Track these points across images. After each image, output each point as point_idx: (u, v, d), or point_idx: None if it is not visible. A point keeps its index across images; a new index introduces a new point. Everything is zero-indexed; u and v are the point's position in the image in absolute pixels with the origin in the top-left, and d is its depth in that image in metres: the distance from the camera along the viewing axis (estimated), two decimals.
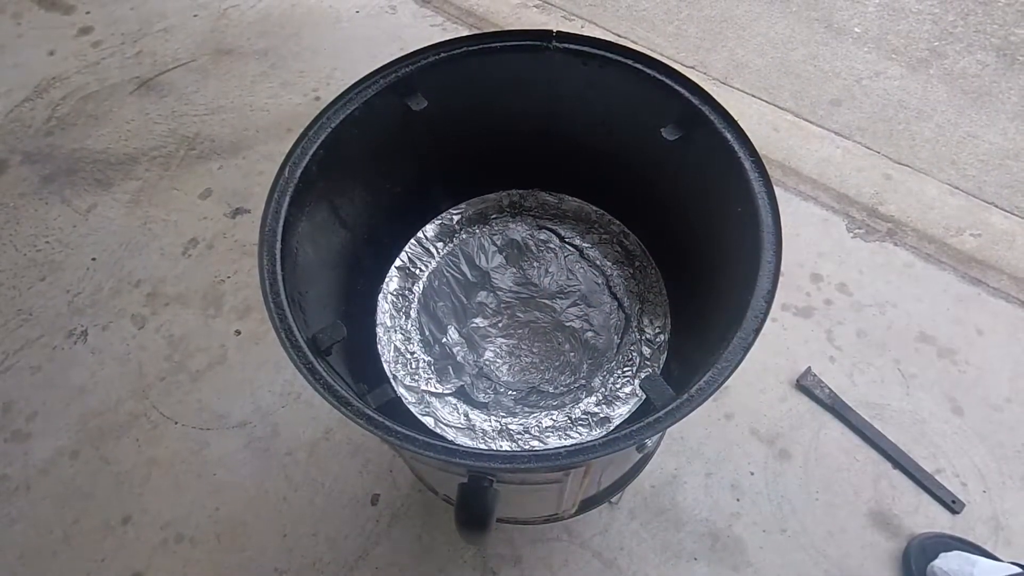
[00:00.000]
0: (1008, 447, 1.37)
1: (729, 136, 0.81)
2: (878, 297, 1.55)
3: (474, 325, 1.02)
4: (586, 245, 1.08)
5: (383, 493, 1.35)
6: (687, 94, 0.84)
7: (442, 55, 0.89)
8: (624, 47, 0.87)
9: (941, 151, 1.82)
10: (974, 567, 1.14)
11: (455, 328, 1.02)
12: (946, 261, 1.60)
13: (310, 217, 0.85)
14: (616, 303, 1.03)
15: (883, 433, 1.38)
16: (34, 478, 1.40)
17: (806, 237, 1.65)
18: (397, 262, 1.06)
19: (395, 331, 1.00)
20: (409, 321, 1.02)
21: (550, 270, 1.06)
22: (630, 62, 0.87)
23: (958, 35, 2.05)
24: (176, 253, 1.68)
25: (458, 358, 0.99)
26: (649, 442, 0.74)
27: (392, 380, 0.95)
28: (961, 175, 1.77)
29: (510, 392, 0.97)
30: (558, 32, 0.89)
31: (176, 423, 1.45)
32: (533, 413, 0.94)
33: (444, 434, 0.91)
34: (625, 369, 0.97)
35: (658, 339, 0.99)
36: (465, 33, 2.07)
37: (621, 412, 0.93)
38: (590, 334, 1.01)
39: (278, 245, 0.77)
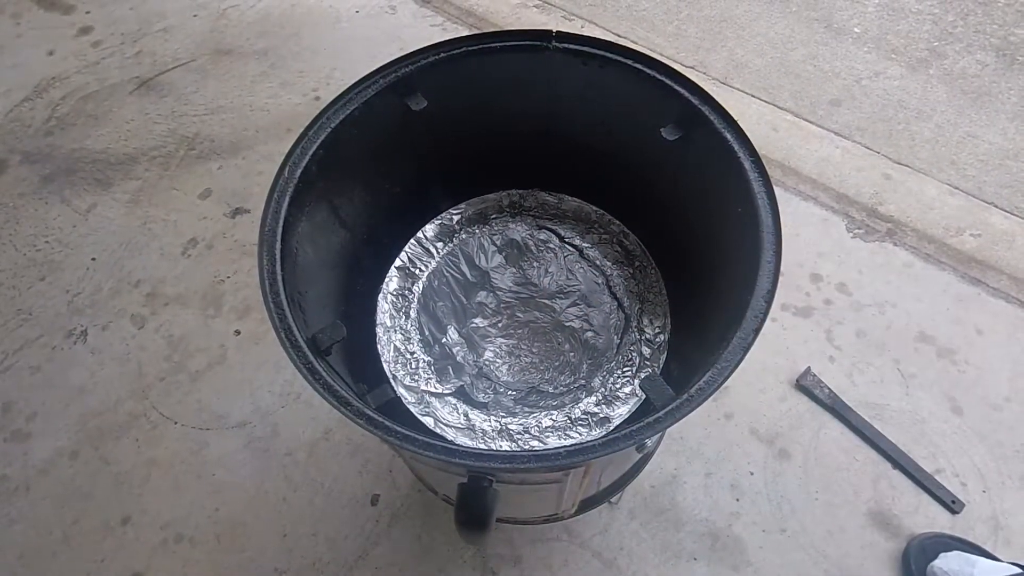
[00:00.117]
0: (1008, 447, 1.37)
1: (729, 136, 0.81)
2: (878, 297, 1.55)
3: (474, 325, 1.02)
4: (586, 245, 1.08)
5: (383, 493, 1.35)
6: (687, 94, 0.84)
7: (442, 55, 0.89)
8: (624, 47, 0.87)
9: (941, 151, 1.82)
10: (974, 567, 1.14)
11: (455, 328, 1.02)
12: (946, 261, 1.60)
13: (310, 217, 0.85)
14: (616, 303, 1.03)
15: (883, 433, 1.38)
16: (34, 478, 1.40)
17: (806, 237, 1.65)
18: (397, 262, 1.06)
19: (395, 331, 1.00)
20: (409, 321, 1.02)
21: (550, 270, 1.06)
22: (630, 62, 0.87)
23: (958, 35, 2.05)
24: (176, 253, 1.68)
25: (458, 358, 0.99)
26: (649, 442, 0.74)
27: (392, 380, 0.95)
28: (961, 175, 1.77)
29: (510, 392, 0.97)
30: (558, 32, 0.89)
31: (176, 423, 1.45)
32: (533, 413, 0.94)
33: (444, 434, 0.91)
34: (625, 369, 0.97)
35: (658, 339, 0.99)
36: (465, 33, 2.08)
37: (621, 412, 0.93)
38: (590, 334, 1.01)
39: (278, 245, 0.77)
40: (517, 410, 0.95)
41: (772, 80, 1.98)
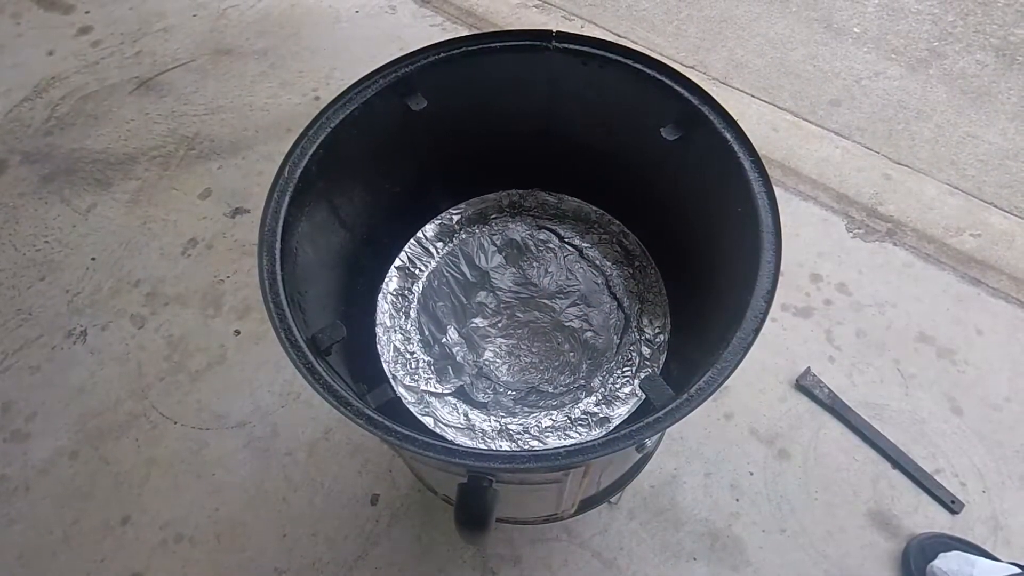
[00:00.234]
0: (1007, 447, 1.37)
1: (729, 136, 0.81)
2: (877, 297, 1.55)
3: (474, 325, 1.02)
4: (586, 245, 1.08)
5: (383, 493, 1.35)
6: (687, 94, 0.84)
7: (442, 55, 0.89)
8: (624, 47, 0.87)
9: (940, 151, 1.82)
10: (973, 567, 1.14)
11: (455, 328, 1.02)
12: (945, 261, 1.60)
13: (310, 217, 0.85)
14: (616, 303, 1.03)
15: (882, 433, 1.38)
16: (33, 478, 1.40)
17: (805, 237, 1.65)
18: (397, 262, 1.05)
19: (395, 331, 1.00)
20: (409, 321, 1.01)
21: (550, 270, 1.06)
22: (630, 62, 0.87)
23: (957, 35, 2.05)
24: (175, 253, 1.68)
25: (458, 358, 0.99)
26: (648, 442, 0.74)
27: (392, 380, 0.95)
28: (960, 175, 1.77)
29: (510, 392, 0.97)
30: (558, 32, 0.89)
31: (175, 423, 1.45)
32: (533, 413, 0.94)
33: (444, 434, 0.91)
34: (624, 369, 0.97)
35: (658, 339, 0.99)
36: (465, 33, 2.08)
37: (620, 412, 0.93)
38: (590, 334, 1.01)
39: (278, 245, 0.77)
40: (517, 410, 0.95)
41: (772, 80, 1.98)
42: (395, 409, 0.92)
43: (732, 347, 0.69)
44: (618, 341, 1.00)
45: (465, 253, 1.07)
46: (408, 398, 0.94)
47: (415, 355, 0.98)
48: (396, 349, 0.99)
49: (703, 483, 1.35)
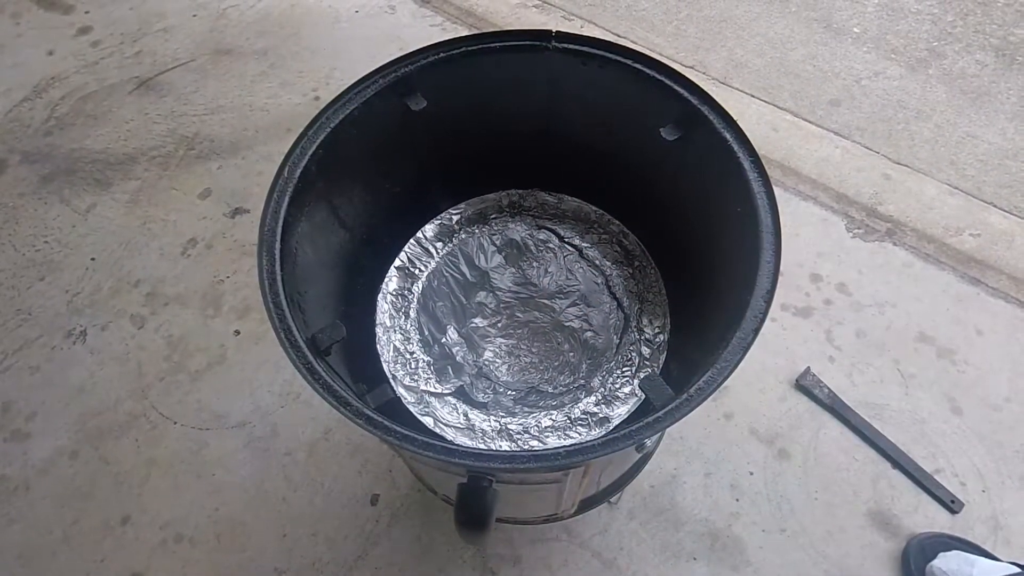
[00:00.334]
0: (1007, 447, 1.37)
1: (728, 136, 0.81)
2: (877, 297, 1.55)
3: (473, 325, 1.02)
4: (585, 245, 1.08)
5: (382, 493, 1.35)
6: (686, 94, 0.84)
7: (441, 55, 0.89)
8: (623, 47, 0.87)
9: (940, 151, 1.82)
10: (973, 567, 1.14)
11: (454, 328, 1.02)
12: (945, 261, 1.60)
13: (309, 217, 0.85)
14: (615, 303, 1.03)
15: (882, 433, 1.38)
16: (33, 478, 1.40)
17: (805, 237, 1.65)
18: (396, 262, 1.05)
19: (394, 331, 1.00)
20: (408, 321, 1.01)
21: (549, 270, 1.06)
22: (629, 62, 0.87)
23: (957, 35, 2.05)
24: (175, 253, 1.68)
25: (457, 358, 0.99)
26: (648, 442, 0.74)
27: (391, 380, 0.95)
28: (960, 175, 1.77)
29: (509, 392, 0.97)
30: (557, 32, 0.89)
31: (175, 423, 1.45)
32: (532, 413, 0.94)
33: (443, 434, 0.91)
34: (624, 369, 0.97)
35: (657, 339, 0.99)
36: (464, 33, 2.08)
37: (620, 412, 0.93)
38: (589, 334, 1.01)
39: (277, 245, 0.77)
40: (517, 410, 0.95)
41: (772, 80, 1.98)
42: (395, 409, 0.92)
43: (732, 347, 0.69)
44: (618, 341, 1.00)
45: (465, 253, 1.07)
46: (408, 398, 0.94)
47: (415, 355, 0.98)
48: (396, 349, 0.99)
49: (703, 483, 1.35)
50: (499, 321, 1.03)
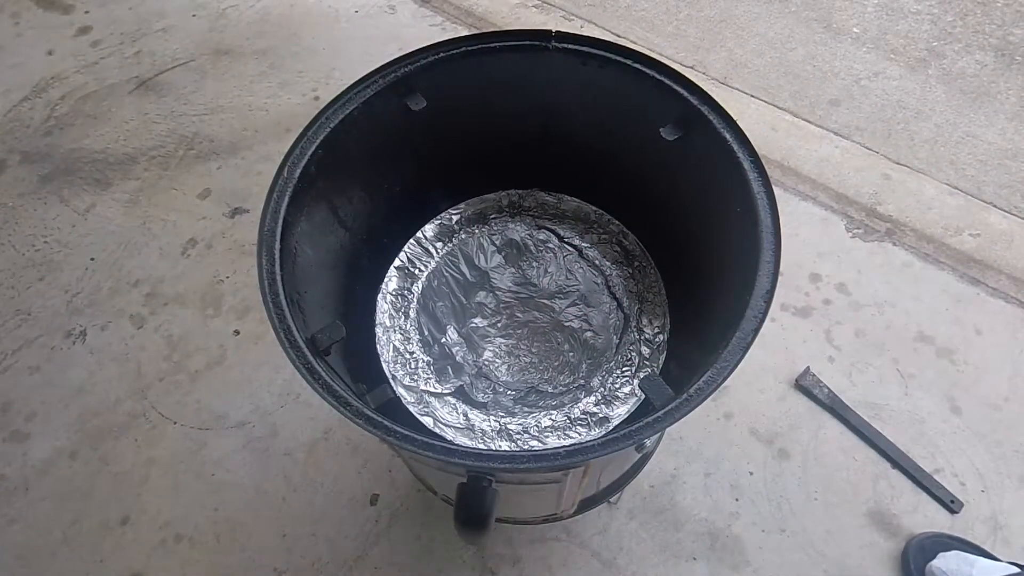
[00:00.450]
0: (1007, 446, 1.37)
1: (728, 136, 0.81)
2: (877, 297, 1.55)
3: (473, 325, 1.02)
4: (585, 245, 1.08)
5: (382, 493, 1.35)
6: (686, 94, 0.84)
7: (441, 55, 0.89)
8: (623, 47, 0.87)
9: (940, 151, 1.82)
10: (973, 567, 1.14)
11: (454, 328, 1.02)
12: (945, 261, 1.60)
13: (309, 217, 0.85)
14: (615, 303, 1.03)
15: (882, 433, 1.38)
16: (32, 478, 1.40)
17: (805, 237, 1.65)
18: (396, 262, 1.05)
19: (394, 331, 1.00)
20: (408, 321, 1.01)
21: (549, 270, 1.06)
22: (629, 62, 0.87)
23: (957, 35, 2.06)
24: (175, 253, 1.68)
25: (457, 358, 0.99)
26: (648, 442, 0.74)
27: (391, 380, 0.95)
28: (960, 175, 1.77)
29: (509, 392, 0.97)
30: (557, 32, 0.89)
31: (175, 423, 1.45)
32: (532, 413, 0.94)
33: (443, 434, 0.91)
34: (624, 369, 0.97)
35: (657, 339, 0.99)
36: (464, 33, 2.08)
37: (620, 412, 0.93)
38: (589, 334, 1.01)
39: (277, 245, 0.77)
40: (516, 410, 0.95)
41: (771, 80, 1.98)
42: (394, 409, 0.92)
43: (731, 347, 0.69)
44: (617, 341, 1.00)
45: (464, 253, 1.07)
46: (407, 398, 0.94)
47: (414, 355, 0.98)
48: (395, 349, 0.99)
49: (703, 483, 1.35)
50: (499, 321, 1.03)
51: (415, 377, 0.96)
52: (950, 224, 1.66)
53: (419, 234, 1.08)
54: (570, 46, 0.89)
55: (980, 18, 2.09)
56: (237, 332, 1.55)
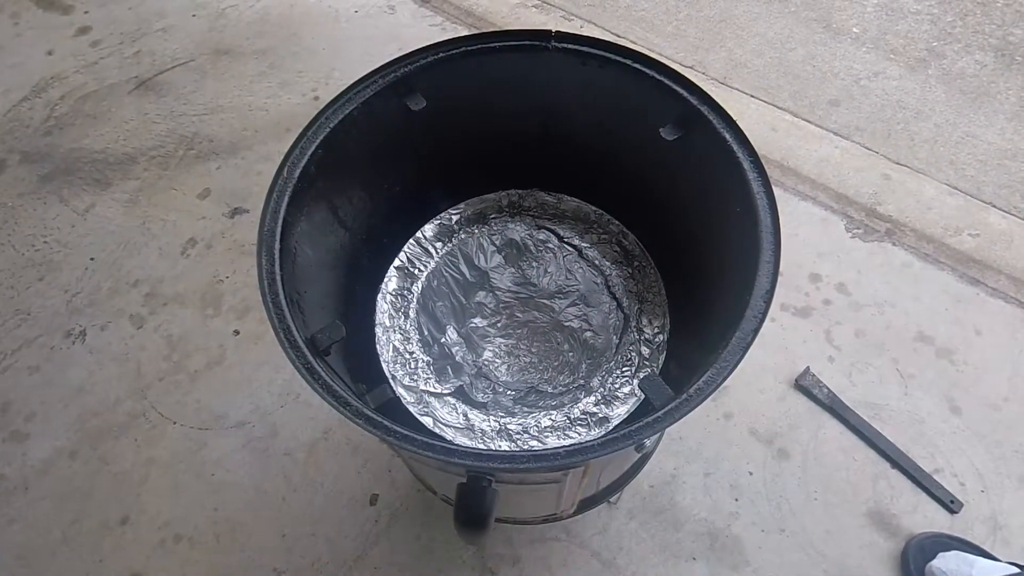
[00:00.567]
0: (1006, 447, 1.37)
1: (728, 136, 0.81)
2: (876, 297, 1.55)
3: (473, 325, 1.02)
4: (585, 245, 1.08)
5: (382, 493, 1.35)
6: (686, 94, 0.84)
7: (441, 55, 0.89)
8: (623, 47, 0.87)
9: (939, 151, 1.82)
10: (972, 567, 1.14)
11: (454, 328, 1.02)
12: (944, 261, 1.60)
13: (309, 217, 0.85)
14: (615, 303, 1.03)
15: (881, 433, 1.38)
16: (32, 478, 1.40)
17: (805, 237, 1.65)
18: (396, 262, 1.05)
19: (394, 331, 1.00)
20: (408, 321, 1.01)
21: (549, 270, 1.06)
22: (629, 62, 0.87)
23: (956, 35, 2.06)
24: (175, 253, 1.68)
25: (457, 358, 0.99)
26: (648, 442, 0.74)
27: (391, 380, 0.95)
28: (959, 175, 1.77)
29: (509, 392, 0.97)
30: (557, 32, 0.89)
31: (175, 423, 1.45)
32: (532, 413, 0.94)
33: (443, 434, 0.91)
34: (624, 369, 0.97)
35: (657, 339, 0.99)
36: (464, 33, 2.07)
37: (620, 412, 0.93)
38: (589, 334, 1.01)
39: (277, 245, 0.77)
40: (516, 410, 0.95)
41: (771, 80, 1.98)
42: (394, 409, 0.92)
43: (731, 347, 0.69)
44: (617, 341, 1.00)
45: (464, 253, 1.07)
46: (407, 398, 0.94)
47: (414, 355, 0.98)
48: (395, 349, 0.99)
49: (702, 483, 1.35)
50: (499, 321, 1.03)
51: (415, 377, 0.96)
52: (950, 224, 1.67)
53: (419, 234, 1.08)
54: (570, 46, 0.89)
55: (980, 18, 2.09)
56: (237, 332, 1.55)
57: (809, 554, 1.28)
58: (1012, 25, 2.07)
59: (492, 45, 0.90)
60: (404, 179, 1.04)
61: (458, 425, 0.93)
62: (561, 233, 1.09)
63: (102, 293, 1.63)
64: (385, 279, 1.04)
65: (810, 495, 1.33)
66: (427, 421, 0.92)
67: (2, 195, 1.80)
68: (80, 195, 1.80)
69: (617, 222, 1.08)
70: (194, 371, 1.50)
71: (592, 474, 0.93)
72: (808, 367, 1.45)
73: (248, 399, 1.46)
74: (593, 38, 0.88)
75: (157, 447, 1.42)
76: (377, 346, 0.98)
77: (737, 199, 0.78)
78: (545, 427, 0.93)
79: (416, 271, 1.06)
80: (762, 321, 0.69)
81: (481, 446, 0.91)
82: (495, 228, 1.10)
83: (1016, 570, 1.12)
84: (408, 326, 1.01)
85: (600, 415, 0.93)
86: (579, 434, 0.92)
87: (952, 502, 1.31)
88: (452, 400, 0.96)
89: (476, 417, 0.94)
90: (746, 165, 0.78)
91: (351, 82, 0.87)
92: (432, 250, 1.07)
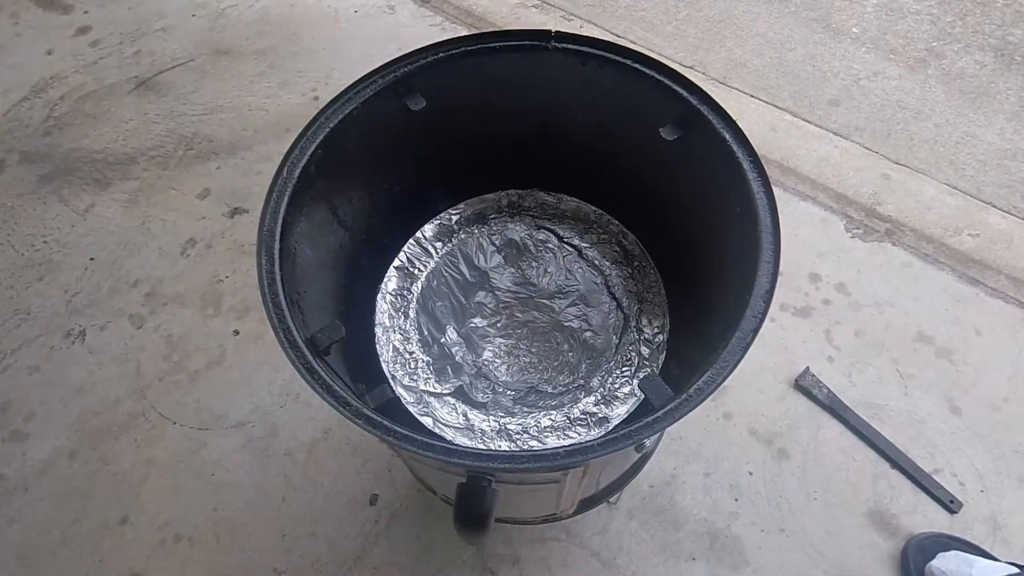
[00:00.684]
0: (1006, 447, 1.37)
1: (727, 136, 0.81)
2: (876, 297, 1.55)
3: (473, 325, 1.02)
4: (585, 245, 1.08)
5: (382, 493, 1.35)
6: (686, 94, 0.84)
7: (441, 55, 0.89)
8: (623, 47, 0.87)
9: (939, 151, 1.82)
10: (972, 567, 1.14)
11: (454, 328, 1.02)
12: (944, 261, 1.60)
13: (308, 217, 0.85)
14: (615, 303, 1.03)
15: (881, 433, 1.38)
16: (32, 478, 1.39)
17: (804, 237, 1.65)
18: (396, 262, 1.05)
19: (394, 331, 1.00)
20: (408, 321, 1.01)
21: (549, 270, 1.06)
22: (629, 62, 0.87)
23: (956, 35, 2.06)
24: (174, 253, 1.68)
25: (457, 358, 0.99)
26: (648, 442, 0.74)
27: (391, 380, 0.95)
28: (959, 175, 1.77)
29: (509, 392, 0.97)
30: (557, 32, 0.89)
31: (174, 423, 1.44)
32: (532, 413, 0.94)
33: (443, 434, 0.91)
34: (624, 369, 0.97)
35: (657, 339, 0.99)
36: (464, 33, 2.07)
37: (620, 412, 0.93)
38: (589, 334, 1.01)
39: (276, 245, 0.77)
40: (516, 410, 0.95)
41: (771, 80, 1.98)
42: (394, 409, 0.92)
43: (731, 347, 0.69)
44: (617, 341, 1.00)
45: (464, 253, 1.07)
46: (407, 398, 0.94)
47: (414, 355, 0.98)
48: (395, 349, 0.99)
49: (702, 483, 1.35)
50: (498, 321, 1.03)
51: (415, 377, 0.96)
52: (949, 224, 1.67)
53: (419, 234, 1.08)
54: (569, 46, 0.89)
55: (980, 18, 2.09)
56: (237, 332, 1.55)
57: (809, 554, 1.28)
58: (1012, 25, 2.07)
59: (492, 45, 0.90)
60: (404, 179, 1.04)
61: (458, 425, 0.93)
62: (561, 233, 1.09)
63: (102, 293, 1.63)
64: (385, 279, 1.04)
65: (810, 495, 1.33)
66: (427, 421, 0.92)
67: (2, 195, 1.80)
68: (80, 195, 1.80)
69: (617, 222, 1.08)
70: (194, 371, 1.50)
71: (592, 474, 0.93)
72: (808, 367, 1.45)
73: (248, 399, 1.46)
74: (593, 38, 0.88)
75: (157, 447, 1.42)
76: (377, 346, 0.98)
77: (737, 199, 0.78)
78: (545, 427, 0.93)
79: (416, 271, 1.06)
80: (762, 321, 0.69)
81: (481, 446, 0.91)
82: (495, 228, 1.10)
83: (1016, 570, 1.12)
84: (408, 326, 1.01)
85: (600, 415, 0.93)
86: (579, 434, 0.92)
87: (952, 502, 1.31)
88: (452, 400, 0.96)
89: (476, 417, 0.94)
90: (746, 165, 0.78)
91: (351, 82, 0.87)
92: (432, 250, 1.07)
